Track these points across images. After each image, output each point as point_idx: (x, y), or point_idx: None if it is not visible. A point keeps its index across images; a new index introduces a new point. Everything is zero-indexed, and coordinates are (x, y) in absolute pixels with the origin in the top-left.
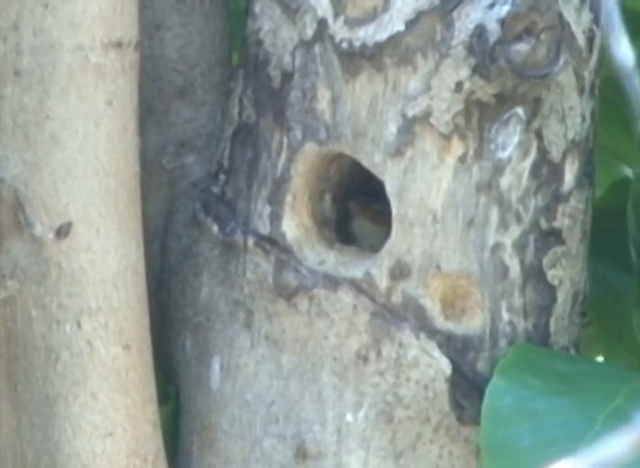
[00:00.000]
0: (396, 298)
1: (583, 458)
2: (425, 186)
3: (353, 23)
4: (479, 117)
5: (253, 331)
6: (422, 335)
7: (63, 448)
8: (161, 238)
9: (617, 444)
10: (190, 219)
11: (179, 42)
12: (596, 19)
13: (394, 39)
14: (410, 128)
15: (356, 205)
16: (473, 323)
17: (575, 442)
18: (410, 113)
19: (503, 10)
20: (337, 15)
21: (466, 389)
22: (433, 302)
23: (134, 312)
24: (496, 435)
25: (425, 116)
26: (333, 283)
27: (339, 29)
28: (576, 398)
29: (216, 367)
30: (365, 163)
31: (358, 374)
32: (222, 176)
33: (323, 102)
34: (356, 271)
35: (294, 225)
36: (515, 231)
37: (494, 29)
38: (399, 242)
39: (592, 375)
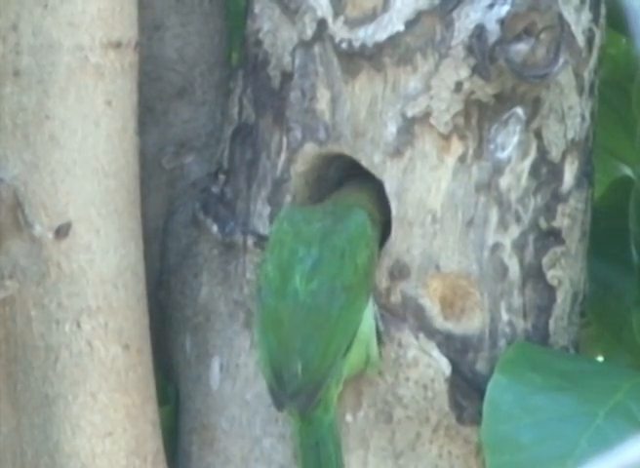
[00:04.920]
0: (395, 298)
1: None
2: (425, 186)
3: (353, 24)
4: (479, 117)
5: (252, 332)
6: (422, 335)
7: (63, 448)
8: (161, 238)
9: None
10: (190, 219)
11: (178, 42)
12: (596, 19)
13: (394, 39)
14: (409, 128)
15: None
16: (472, 323)
17: (576, 436)
18: (409, 113)
19: (503, 10)
20: (336, 15)
21: (466, 389)
22: (432, 302)
23: (133, 312)
24: (497, 430)
25: (425, 116)
26: None
27: (338, 29)
28: (576, 394)
29: (215, 367)
30: (364, 163)
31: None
32: (222, 177)
33: (323, 103)
34: None
35: None
36: (515, 231)
37: (493, 29)
38: (398, 242)
39: (593, 372)
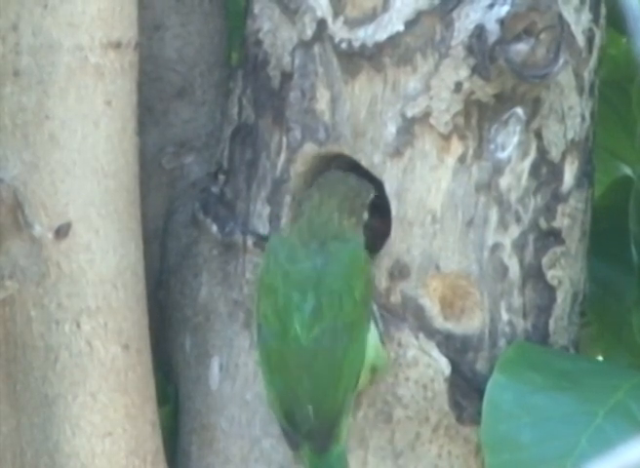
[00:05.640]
0: (395, 298)
1: None
2: (425, 186)
3: (353, 24)
4: (478, 117)
5: (252, 332)
6: (421, 335)
7: (63, 448)
8: (160, 238)
9: None
10: (190, 220)
11: (178, 42)
12: (596, 20)
13: (394, 39)
14: (409, 128)
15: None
16: (472, 323)
17: (576, 436)
18: (409, 113)
19: (503, 10)
20: (336, 15)
21: (465, 389)
22: (432, 302)
23: (133, 312)
24: (497, 430)
25: (425, 116)
26: None
27: (338, 29)
28: (576, 393)
29: (215, 367)
30: (364, 163)
31: None
32: (222, 177)
33: (322, 103)
34: None
35: None
36: (514, 231)
37: (493, 29)
38: (398, 242)
39: (592, 372)
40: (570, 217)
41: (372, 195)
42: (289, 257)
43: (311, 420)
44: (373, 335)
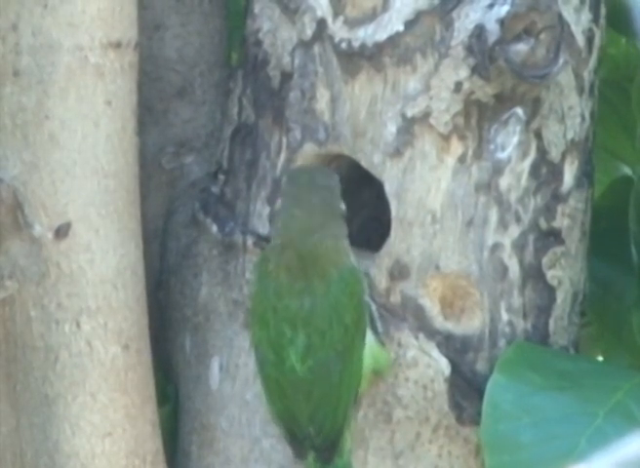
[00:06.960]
0: (395, 298)
1: None
2: (424, 186)
3: (352, 24)
4: (478, 117)
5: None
6: (421, 335)
7: (63, 448)
8: (160, 238)
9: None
10: (190, 219)
11: (178, 42)
12: (596, 20)
13: (393, 39)
14: (409, 128)
15: None
16: (472, 323)
17: (576, 436)
18: (409, 113)
19: (503, 10)
20: (336, 15)
21: (465, 389)
22: (432, 302)
23: (133, 312)
24: (496, 430)
25: (425, 116)
26: None
27: (338, 29)
28: (576, 393)
29: (215, 366)
30: (364, 163)
31: None
32: (222, 177)
33: (322, 103)
34: None
35: None
36: (514, 231)
37: (493, 29)
38: (398, 242)
39: (592, 372)
40: (570, 217)
41: (338, 181)
42: (276, 292)
43: (312, 439)
44: (369, 341)
